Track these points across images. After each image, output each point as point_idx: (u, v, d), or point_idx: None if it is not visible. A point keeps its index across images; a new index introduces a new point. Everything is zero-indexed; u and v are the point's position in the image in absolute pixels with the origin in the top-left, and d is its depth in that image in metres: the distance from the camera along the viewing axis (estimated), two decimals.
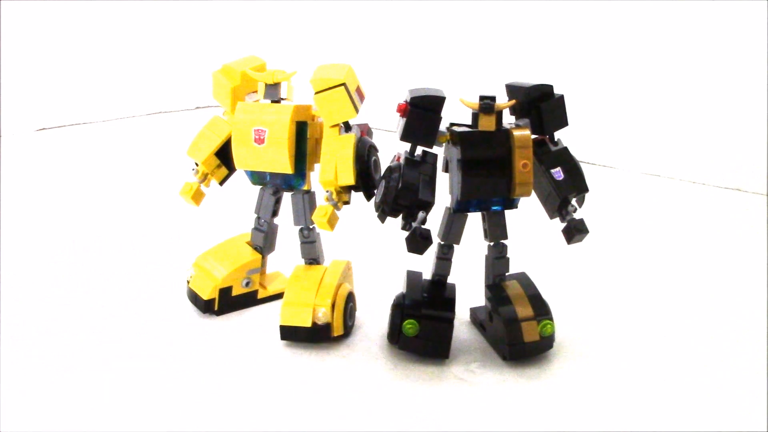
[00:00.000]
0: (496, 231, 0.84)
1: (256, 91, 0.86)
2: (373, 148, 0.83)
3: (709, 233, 1.22)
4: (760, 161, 1.43)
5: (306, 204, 0.88)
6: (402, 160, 0.79)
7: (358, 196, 0.83)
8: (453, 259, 0.85)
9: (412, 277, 0.86)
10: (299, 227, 0.89)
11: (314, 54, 1.58)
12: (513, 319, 0.81)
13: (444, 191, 0.83)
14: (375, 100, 0.96)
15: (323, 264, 0.90)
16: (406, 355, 0.83)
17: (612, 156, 1.58)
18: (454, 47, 1.75)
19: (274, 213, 0.91)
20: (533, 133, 0.80)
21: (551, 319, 0.82)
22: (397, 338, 0.82)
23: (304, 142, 0.83)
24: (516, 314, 0.81)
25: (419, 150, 0.80)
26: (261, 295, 0.94)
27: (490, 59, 1.69)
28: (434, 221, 0.81)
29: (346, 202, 0.82)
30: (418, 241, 0.76)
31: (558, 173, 0.80)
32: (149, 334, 0.86)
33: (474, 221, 0.84)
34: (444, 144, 0.81)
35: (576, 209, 0.80)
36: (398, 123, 0.80)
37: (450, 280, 0.85)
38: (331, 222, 0.79)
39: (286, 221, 0.91)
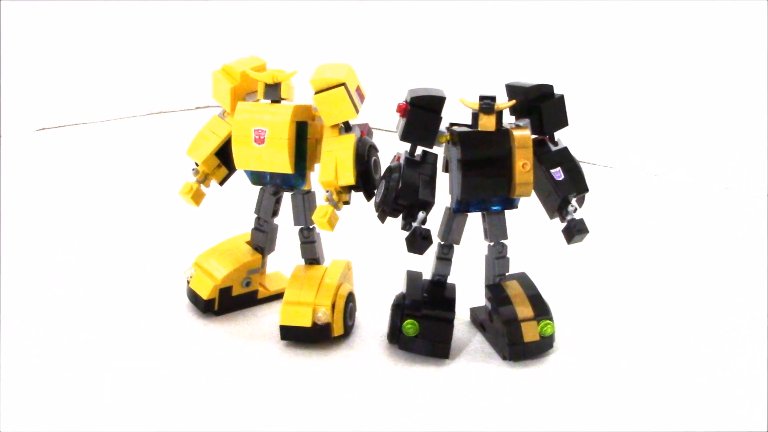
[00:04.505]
0: (496, 231, 0.84)
1: (256, 91, 0.86)
2: (373, 148, 0.83)
3: (709, 233, 1.22)
4: (760, 161, 1.43)
5: (306, 204, 0.88)
6: (402, 160, 0.79)
7: (358, 196, 0.83)
8: (453, 259, 0.85)
9: (412, 277, 0.86)
10: (299, 227, 0.89)
11: (314, 54, 1.58)
12: (513, 319, 0.81)
13: (444, 191, 0.83)
14: (375, 100, 0.96)
15: (323, 264, 0.90)
16: (406, 355, 0.83)
17: (612, 156, 1.57)
18: (454, 47, 1.75)
19: (274, 213, 0.91)
20: (533, 133, 0.80)
21: (551, 319, 0.82)
22: (397, 338, 0.82)
23: (304, 142, 0.83)
24: (516, 314, 0.81)
25: (419, 150, 0.80)
26: (261, 295, 0.94)
27: (490, 59, 1.69)
28: (434, 221, 0.81)
29: (346, 202, 0.82)
30: (418, 241, 0.77)
31: (558, 173, 0.80)
32: (149, 334, 0.86)
33: (474, 221, 0.84)
34: (444, 144, 0.81)
35: (576, 209, 0.80)
36: (398, 123, 0.80)
37: (450, 280, 0.85)
38: (331, 222, 0.79)
39: (286, 221, 0.91)
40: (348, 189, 0.81)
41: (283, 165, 0.82)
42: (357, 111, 0.81)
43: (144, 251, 1.08)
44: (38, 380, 0.77)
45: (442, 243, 0.84)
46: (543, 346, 0.82)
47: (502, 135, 0.79)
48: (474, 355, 0.84)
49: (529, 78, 0.84)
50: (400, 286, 0.86)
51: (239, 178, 0.90)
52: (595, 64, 1.58)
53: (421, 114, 0.78)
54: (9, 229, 1.15)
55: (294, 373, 0.79)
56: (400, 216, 0.79)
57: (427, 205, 0.78)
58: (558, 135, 0.82)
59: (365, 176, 0.81)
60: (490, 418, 0.73)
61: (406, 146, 0.80)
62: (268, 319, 0.90)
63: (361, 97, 0.83)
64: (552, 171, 0.80)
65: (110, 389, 0.76)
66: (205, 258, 0.92)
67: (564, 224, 0.80)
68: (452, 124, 0.81)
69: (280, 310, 0.84)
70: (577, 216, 0.80)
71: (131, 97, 1.94)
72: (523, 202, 0.82)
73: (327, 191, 0.80)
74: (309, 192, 0.88)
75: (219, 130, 0.88)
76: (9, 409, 0.72)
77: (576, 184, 0.80)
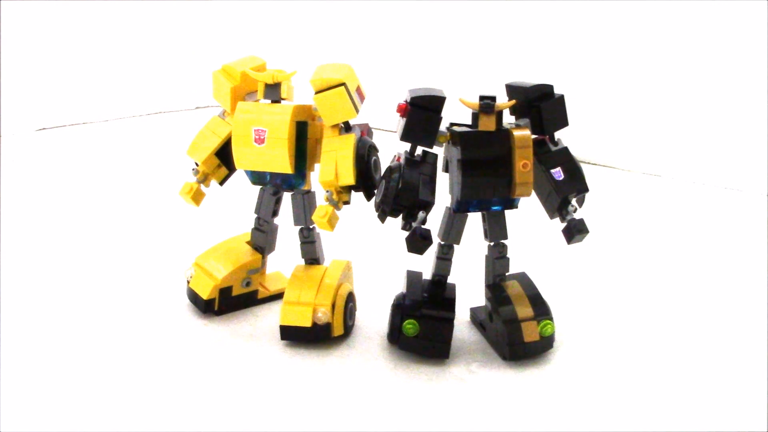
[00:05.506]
0: (496, 231, 0.84)
1: (256, 91, 0.86)
2: (373, 148, 0.83)
3: (709, 233, 1.22)
4: (760, 161, 1.43)
5: (306, 204, 0.88)
6: (402, 160, 0.79)
7: (358, 196, 0.83)
8: (453, 259, 0.85)
9: (412, 277, 0.86)
10: (299, 227, 0.89)
11: (314, 54, 1.58)
12: (513, 319, 0.81)
13: (444, 191, 0.83)
14: (375, 100, 0.96)
15: (323, 264, 0.90)
16: (406, 355, 0.83)
17: (612, 156, 1.58)
18: (454, 47, 1.75)
19: (274, 213, 0.91)
20: (533, 133, 0.80)
21: (551, 319, 0.82)
22: (397, 338, 0.82)
23: (304, 142, 0.83)
24: (516, 314, 0.81)
25: (419, 150, 0.80)
26: (261, 295, 0.94)
27: (490, 59, 1.69)
28: (434, 221, 0.81)
29: (346, 202, 0.82)
30: (418, 241, 0.76)
31: (558, 173, 0.80)
32: (149, 334, 0.86)
33: (474, 221, 0.84)
34: (444, 144, 0.81)
35: (576, 209, 0.80)
36: (398, 123, 0.80)
37: (450, 280, 0.85)
38: (331, 222, 0.79)
39: (286, 221, 0.91)
40: (348, 189, 0.81)
41: (283, 165, 0.82)
42: (357, 111, 0.81)
43: (144, 251, 1.08)
44: (38, 380, 0.77)
45: (442, 243, 0.84)
46: (543, 346, 0.82)
47: (502, 135, 0.79)
48: (474, 355, 0.84)
49: (529, 78, 0.84)
50: (400, 286, 0.86)
51: (239, 178, 0.90)
52: (595, 64, 1.58)
53: (421, 114, 0.78)
54: (9, 229, 1.15)
55: (294, 373, 0.79)
56: (400, 216, 0.79)
57: (427, 205, 0.78)
58: (558, 135, 0.82)
59: (365, 176, 0.81)
60: (490, 418, 0.73)
61: (406, 146, 0.80)
62: (268, 319, 0.90)
63: (361, 97, 0.83)
64: (552, 171, 0.80)
65: (110, 389, 0.76)
66: (205, 258, 0.92)
67: (564, 224, 0.80)
68: (452, 124, 0.81)
69: (280, 310, 0.84)
70: (577, 216, 0.80)
71: (131, 97, 1.94)
72: (523, 202, 0.82)
73: (327, 191, 0.80)
74: (309, 192, 0.88)
75: (219, 130, 0.88)
76: (9, 409, 0.72)
77: (576, 184, 0.80)
